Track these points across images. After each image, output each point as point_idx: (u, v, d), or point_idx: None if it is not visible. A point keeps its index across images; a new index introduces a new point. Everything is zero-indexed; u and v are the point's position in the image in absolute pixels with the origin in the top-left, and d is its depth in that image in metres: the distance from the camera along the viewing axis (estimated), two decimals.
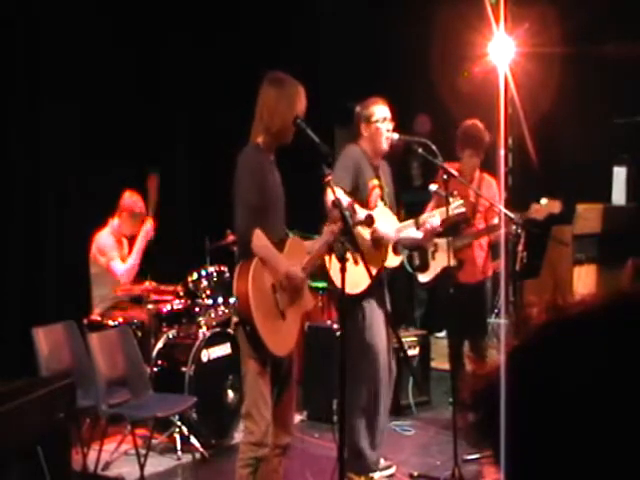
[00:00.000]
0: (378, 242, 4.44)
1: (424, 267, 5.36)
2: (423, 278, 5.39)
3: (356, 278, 4.06)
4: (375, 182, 4.53)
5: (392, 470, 4.64)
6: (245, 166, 3.57)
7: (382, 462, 4.60)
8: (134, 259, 5.49)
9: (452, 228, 5.04)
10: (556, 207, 4.82)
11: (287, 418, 3.77)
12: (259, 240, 3.49)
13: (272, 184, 3.65)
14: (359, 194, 4.39)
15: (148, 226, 5.52)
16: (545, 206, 4.78)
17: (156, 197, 5.52)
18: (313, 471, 4.63)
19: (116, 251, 5.45)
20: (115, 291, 5.39)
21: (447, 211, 4.43)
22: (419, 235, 4.54)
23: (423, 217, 4.52)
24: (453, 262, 4.98)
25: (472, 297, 5.18)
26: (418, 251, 5.37)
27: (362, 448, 4.43)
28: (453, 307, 4.87)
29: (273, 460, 3.68)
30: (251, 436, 3.54)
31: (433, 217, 4.48)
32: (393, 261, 4.58)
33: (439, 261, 5.22)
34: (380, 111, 4.50)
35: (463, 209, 4.52)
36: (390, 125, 4.52)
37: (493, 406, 0.72)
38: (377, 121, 4.48)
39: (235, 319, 3.62)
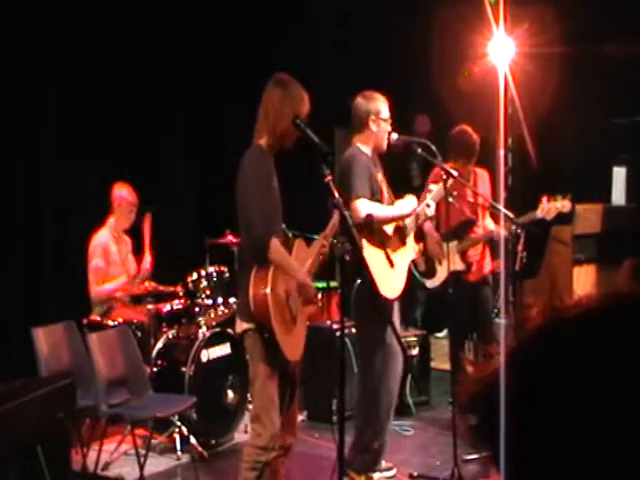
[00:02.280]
0: (403, 236, 4.50)
1: (431, 273, 5.36)
2: (431, 284, 5.39)
3: (396, 284, 4.27)
4: (380, 176, 4.53)
5: (392, 472, 4.63)
6: (254, 170, 3.53)
7: (383, 463, 4.59)
8: (111, 288, 5.39)
9: (457, 232, 5.07)
10: (566, 206, 4.78)
11: (291, 419, 3.78)
12: (277, 250, 3.49)
13: (275, 187, 3.65)
14: (375, 195, 4.38)
15: (147, 262, 5.47)
16: (555, 205, 4.72)
17: (150, 235, 5.49)
18: (313, 471, 4.63)
19: (101, 259, 5.38)
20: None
21: (440, 191, 4.47)
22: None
23: (418, 209, 4.54)
24: (461, 266, 5.01)
25: (476, 297, 5.20)
26: (423, 257, 5.38)
27: (372, 445, 4.43)
28: (454, 307, 4.90)
29: (275, 460, 3.69)
30: (258, 439, 3.54)
31: (429, 208, 4.52)
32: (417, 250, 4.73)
33: (446, 267, 5.23)
34: (386, 110, 4.44)
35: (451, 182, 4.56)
36: (390, 127, 4.50)
37: (492, 408, 0.73)
38: (385, 120, 4.42)
39: (245, 325, 3.58)
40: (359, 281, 4.18)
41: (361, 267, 4.09)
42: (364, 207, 4.19)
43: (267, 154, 3.62)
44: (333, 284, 6.53)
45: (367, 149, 4.45)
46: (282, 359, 3.56)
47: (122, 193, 5.50)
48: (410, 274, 4.67)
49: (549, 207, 4.72)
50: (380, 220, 4.27)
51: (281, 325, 3.52)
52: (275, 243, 3.48)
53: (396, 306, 4.47)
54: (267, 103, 3.61)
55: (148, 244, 5.48)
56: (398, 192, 8.06)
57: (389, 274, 4.27)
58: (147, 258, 5.46)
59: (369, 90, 4.52)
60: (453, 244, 5.10)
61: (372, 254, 4.21)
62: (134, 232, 5.67)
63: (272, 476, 3.68)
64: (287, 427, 3.71)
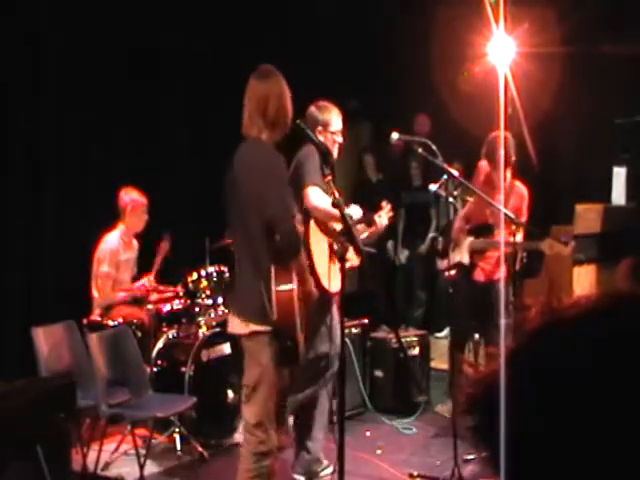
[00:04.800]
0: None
1: (444, 254, 5.45)
2: (440, 264, 5.51)
3: (334, 279, 4.09)
4: (329, 179, 4.49)
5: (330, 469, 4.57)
6: (280, 170, 3.48)
7: (325, 462, 4.58)
8: (120, 297, 5.42)
9: (475, 231, 5.10)
10: (567, 250, 4.85)
11: (284, 420, 3.83)
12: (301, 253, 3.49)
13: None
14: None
15: (146, 281, 5.46)
16: (558, 247, 4.79)
17: (163, 260, 5.52)
18: None
19: (110, 265, 5.39)
20: (115, 291, 5.40)
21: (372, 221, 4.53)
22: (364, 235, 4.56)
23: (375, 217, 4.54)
24: (467, 261, 5.04)
25: (482, 297, 5.22)
26: (444, 238, 5.48)
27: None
28: (458, 307, 4.94)
29: (274, 463, 3.69)
30: (263, 446, 3.46)
31: (380, 217, 4.51)
32: (354, 261, 4.57)
33: (457, 254, 5.30)
34: (337, 123, 4.43)
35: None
36: (341, 138, 4.47)
37: (491, 409, 0.73)
38: (334, 133, 4.41)
39: (256, 327, 3.42)
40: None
41: (308, 256, 4.05)
42: (315, 194, 4.15)
43: (279, 154, 3.54)
44: None
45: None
46: (285, 363, 3.50)
47: (133, 197, 5.48)
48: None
49: (552, 245, 4.77)
50: (324, 213, 4.16)
51: (299, 327, 3.45)
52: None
53: (334, 304, 4.39)
54: (261, 95, 3.50)
55: (156, 268, 5.51)
56: (398, 192, 8.08)
57: (331, 269, 4.11)
58: (149, 278, 5.45)
59: (326, 101, 4.51)
60: (469, 239, 5.18)
61: (319, 244, 4.22)
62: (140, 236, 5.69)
63: (269, 476, 3.69)
64: (281, 428, 3.71)
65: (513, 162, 5.15)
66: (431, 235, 7.65)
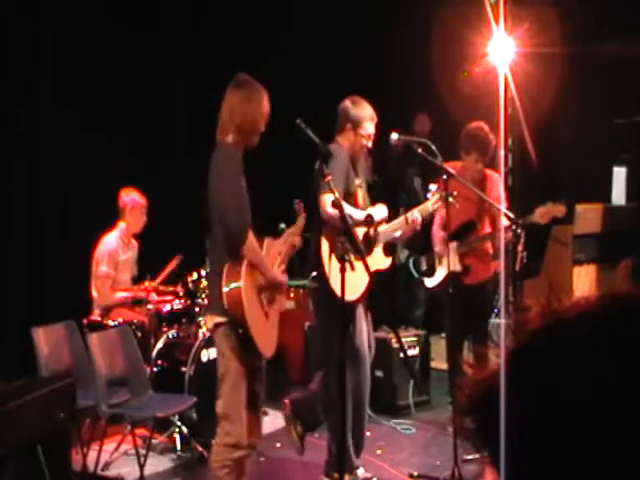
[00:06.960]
0: (370, 244, 4.38)
1: (431, 272, 5.38)
2: (430, 283, 5.43)
3: (353, 284, 3.93)
4: (358, 181, 4.36)
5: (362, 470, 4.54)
6: (228, 166, 3.56)
7: (357, 461, 4.50)
8: (120, 298, 5.42)
9: (458, 233, 5.06)
10: (560, 211, 4.81)
11: (258, 420, 3.85)
12: (252, 245, 3.52)
13: (244, 185, 3.65)
14: (349, 199, 4.20)
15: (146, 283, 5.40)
16: (549, 210, 4.76)
17: (169, 275, 5.54)
18: (313, 471, 4.63)
19: (109, 266, 5.38)
20: (114, 291, 5.40)
21: (426, 207, 4.46)
22: (398, 233, 4.50)
23: (408, 215, 4.46)
24: (458, 267, 5.00)
25: (472, 299, 5.18)
26: (425, 256, 5.41)
27: (347, 450, 4.35)
28: (452, 308, 4.90)
29: (245, 461, 3.74)
30: (228, 437, 3.56)
31: (412, 215, 4.44)
32: (384, 263, 4.52)
33: (445, 266, 5.24)
34: (369, 127, 4.24)
35: (439, 203, 4.53)
36: (370, 143, 4.29)
37: (491, 410, 0.73)
38: (363, 137, 4.23)
39: (217, 319, 3.57)
40: (314, 274, 4.14)
41: (320, 263, 4.03)
42: (329, 202, 3.88)
43: (237, 152, 3.62)
44: None
45: (346, 150, 4.25)
46: (251, 356, 3.58)
47: (133, 197, 5.49)
48: (407, 277, 4.61)
49: (544, 211, 4.74)
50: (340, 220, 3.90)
51: (254, 320, 3.53)
52: (250, 238, 3.52)
53: (361, 310, 4.34)
54: (232, 103, 3.64)
55: (162, 278, 5.51)
56: (398, 192, 8.08)
57: (348, 276, 3.74)
58: (153, 285, 5.43)
59: (360, 97, 4.33)
60: (453, 245, 5.09)
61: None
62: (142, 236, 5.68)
63: (239, 474, 3.69)
64: (253, 427, 3.73)
65: (492, 153, 5.17)
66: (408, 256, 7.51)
